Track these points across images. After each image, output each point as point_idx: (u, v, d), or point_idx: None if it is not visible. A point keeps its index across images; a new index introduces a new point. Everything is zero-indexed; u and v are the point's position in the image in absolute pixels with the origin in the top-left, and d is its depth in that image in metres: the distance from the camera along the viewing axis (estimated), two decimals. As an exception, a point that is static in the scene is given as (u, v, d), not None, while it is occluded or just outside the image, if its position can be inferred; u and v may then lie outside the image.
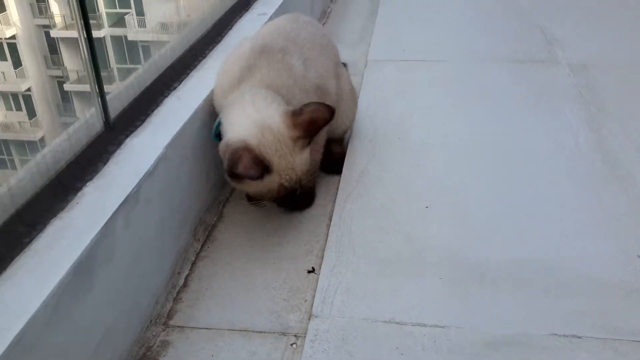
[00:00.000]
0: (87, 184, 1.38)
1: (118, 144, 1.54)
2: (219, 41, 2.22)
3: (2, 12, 13.47)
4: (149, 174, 1.44)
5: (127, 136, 1.57)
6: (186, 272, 1.67)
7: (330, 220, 1.80)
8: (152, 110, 1.71)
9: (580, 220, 1.76)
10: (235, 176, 1.55)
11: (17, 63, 13.71)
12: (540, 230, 1.72)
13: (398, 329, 1.42)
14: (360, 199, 1.88)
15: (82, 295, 1.18)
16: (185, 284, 1.63)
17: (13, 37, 13.62)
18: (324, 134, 1.88)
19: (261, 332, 1.47)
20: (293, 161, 1.57)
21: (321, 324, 1.44)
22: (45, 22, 13.84)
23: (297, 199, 1.67)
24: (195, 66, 2.00)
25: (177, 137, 1.59)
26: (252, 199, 1.78)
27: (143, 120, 1.65)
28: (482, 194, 1.89)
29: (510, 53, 2.97)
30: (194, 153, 1.73)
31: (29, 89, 13.72)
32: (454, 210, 1.82)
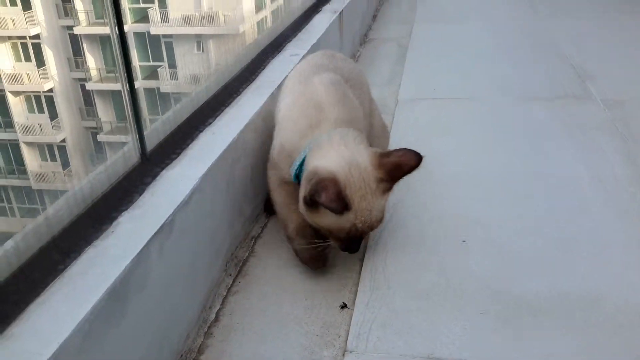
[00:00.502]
0: (123, 213, 1.38)
1: (154, 175, 1.55)
2: (253, 80, 2.25)
3: (42, 66, 14.06)
4: (184, 204, 1.44)
5: (162, 168, 1.58)
6: (217, 307, 1.64)
7: (364, 255, 1.77)
8: (188, 144, 1.72)
9: (624, 252, 1.69)
10: (314, 203, 1.52)
11: (53, 115, 14.18)
12: (584, 263, 1.66)
13: (437, 365, 1.36)
14: (394, 233, 1.84)
15: (115, 323, 1.16)
16: (216, 319, 1.60)
17: (50, 90, 14.15)
18: None
19: (294, 369, 1.42)
20: (372, 203, 1.53)
21: (356, 360, 1.39)
22: (82, 75, 14.37)
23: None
24: (229, 103, 2.03)
25: (212, 169, 1.60)
26: (292, 240, 1.76)
27: (178, 154, 1.67)
28: (521, 227, 1.84)
29: (543, 90, 2.96)
30: (227, 186, 1.73)
31: (63, 140, 14.12)
32: (492, 243, 1.77)
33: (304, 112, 1.72)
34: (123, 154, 1.52)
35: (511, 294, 1.56)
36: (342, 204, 1.48)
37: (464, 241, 1.78)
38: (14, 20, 13.84)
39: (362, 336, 1.45)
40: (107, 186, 1.42)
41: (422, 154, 1.48)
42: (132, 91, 1.51)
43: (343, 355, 1.41)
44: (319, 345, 1.48)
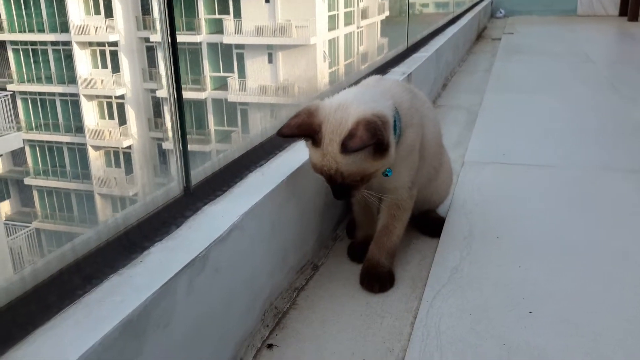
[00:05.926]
0: (156, 244, 1.29)
1: (195, 209, 1.46)
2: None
3: (122, 124, 14.87)
4: (221, 240, 1.33)
5: (205, 203, 1.50)
6: (249, 360, 1.49)
7: (415, 318, 1.58)
8: (235, 182, 1.64)
9: None
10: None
11: (128, 170, 14.83)
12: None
13: None
14: (451, 298, 1.65)
15: (129, 358, 1.04)
16: (246, 373, 1.45)
17: (129, 147, 14.89)
18: (410, 206, 1.81)
19: None
20: (336, 154, 1.49)
21: None
22: (160, 135, 15.07)
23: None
24: (285, 148, 1.95)
25: (256, 208, 1.50)
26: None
27: (224, 191, 1.59)
28: (602, 306, 1.60)
29: (625, 163, 2.72)
30: (272, 229, 1.62)
31: (136, 194, 14.68)
32: (563, 318, 1.54)
33: None
34: (166, 186, 1.46)
35: (586, 379, 1.33)
36: (304, 130, 1.52)
37: (530, 312, 1.57)
38: (103, 80, 14.83)
39: (406, 409, 1.26)
40: (143, 215, 1.34)
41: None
42: (184, 140, 1.47)
43: None
44: (355, 415, 1.29)
